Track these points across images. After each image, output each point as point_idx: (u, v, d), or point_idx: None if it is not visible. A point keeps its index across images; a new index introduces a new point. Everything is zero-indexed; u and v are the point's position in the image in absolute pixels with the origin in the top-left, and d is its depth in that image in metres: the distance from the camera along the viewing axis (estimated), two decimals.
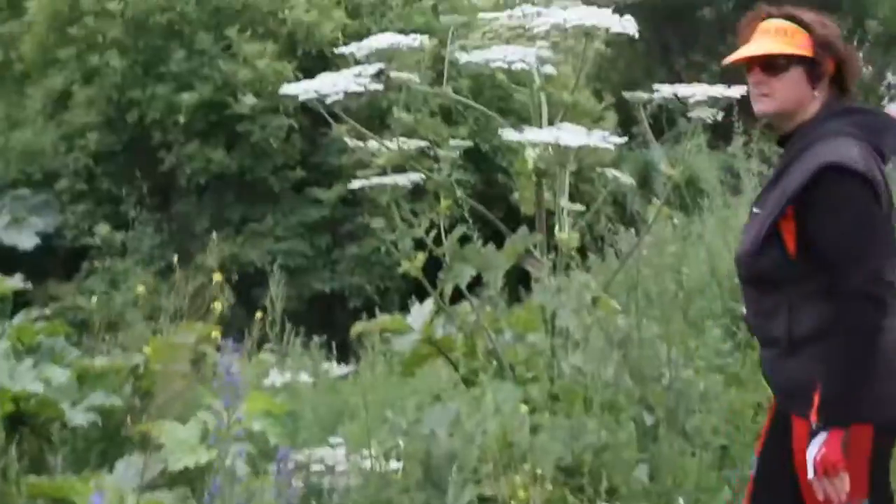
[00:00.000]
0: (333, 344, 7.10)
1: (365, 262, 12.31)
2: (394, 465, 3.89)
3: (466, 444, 3.73)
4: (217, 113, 12.26)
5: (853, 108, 3.01)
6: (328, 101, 4.45)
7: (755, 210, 3.00)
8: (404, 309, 6.13)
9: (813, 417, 2.80)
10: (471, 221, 4.97)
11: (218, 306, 4.82)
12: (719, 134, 11.24)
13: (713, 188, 8.64)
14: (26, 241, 12.39)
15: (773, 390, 3.06)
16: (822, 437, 2.79)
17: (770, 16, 2.99)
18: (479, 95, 12.64)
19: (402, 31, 13.43)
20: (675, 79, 17.70)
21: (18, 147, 13.13)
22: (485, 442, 3.96)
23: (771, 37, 2.94)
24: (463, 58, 4.14)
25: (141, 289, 5.36)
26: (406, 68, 4.68)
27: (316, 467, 3.77)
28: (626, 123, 15.16)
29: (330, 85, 4.52)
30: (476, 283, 5.01)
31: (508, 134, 4.03)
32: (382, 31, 12.19)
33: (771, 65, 2.92)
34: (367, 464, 3.75)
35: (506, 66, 3.99)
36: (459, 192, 4.91)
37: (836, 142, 2.87)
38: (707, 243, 8.35)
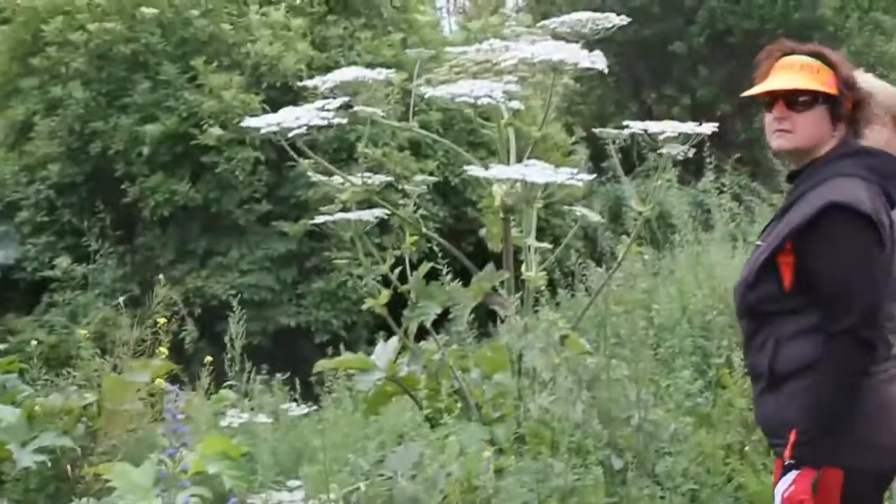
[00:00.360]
0: (297, 381, 6.95)
1: (331, 296, 12.16)
2: None
3: (429, 488, 3.61)
4: (182, 144, 12.10)
5: (866, 150, 2.99)
6: (290, 134, 4.36)
7: (758, 243, 3.00)
8: (372, 343, 6.01)
9: (786, 453, 2.79)
10: (440, 256, 4.88)
11: (163, 350, 4.70)
12: (690, 169, 11.25)
13: (684, 224, 8.61)
14: None
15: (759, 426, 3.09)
16: (792, 475, 2.77)
17: (794, 51, 2.97)
18: (449, 129, 12.58)
19: (370, 65, 13.34)
20: (646, 112, 17.84)
21: None
22: (448, 485, 3.84)
23: (796, 72, 2.92)
24: (428, 92, 4.05)
25: (83, 332, 5.21)
26: (375, 102, 4.60)
27: None
28: (597, 157, 15.15)
29: (293, 119, 4.44)
30: (444, 320, 4.91)
31: (474, 170, 3.94)
32: (350, 64, 12.16)
33: (796, 101, 2.91)
34: None
35: (472, 100, 3.90)
36: (425, 228, 4.83)
37: (845, 182, 2.86)
38: (678, 280, 8.30)
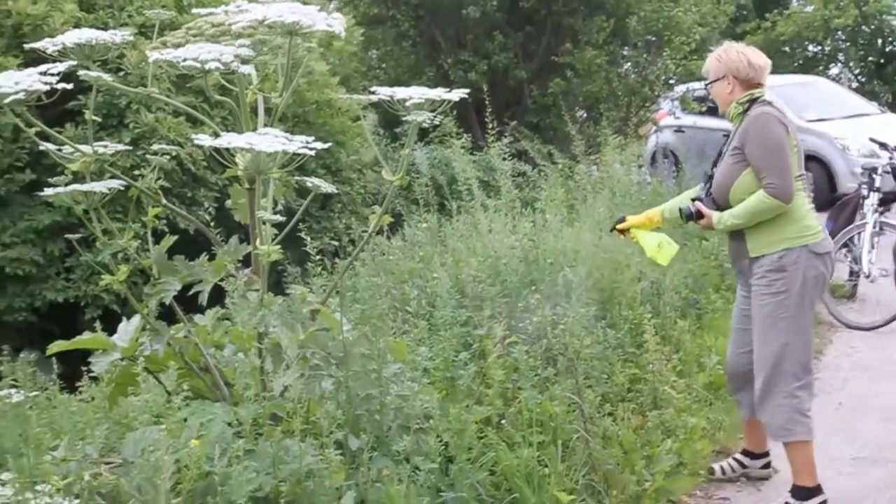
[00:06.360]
0: (54, 360, 6.56)
1: (102, 269, 11.57)
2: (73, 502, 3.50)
3: (152, 477, 3.39)
4: None
5: None
6: (6, 101, 4.06)
7: None
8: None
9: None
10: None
11: None
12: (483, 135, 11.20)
13: (469, 189, 8.58)
14: None
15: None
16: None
17: None
18: (229, 94, 12.09)
19: (141, 27, 12.52)
20: (444, 77, 17.64)
21: None
22: (180, 472, 3.63)
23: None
24: (153, 56, 3.78)
25: None
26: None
27: None
28: (391, 123, 14.94)
29: (11, 84, 4.13)
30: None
31: (202, 139, 3.71)
32: (121, 26, 11.54)
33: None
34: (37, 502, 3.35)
35: (198, 65, 3.66)
36: (202, 197, 4.58)
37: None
38: (451, 249, 8.27)
